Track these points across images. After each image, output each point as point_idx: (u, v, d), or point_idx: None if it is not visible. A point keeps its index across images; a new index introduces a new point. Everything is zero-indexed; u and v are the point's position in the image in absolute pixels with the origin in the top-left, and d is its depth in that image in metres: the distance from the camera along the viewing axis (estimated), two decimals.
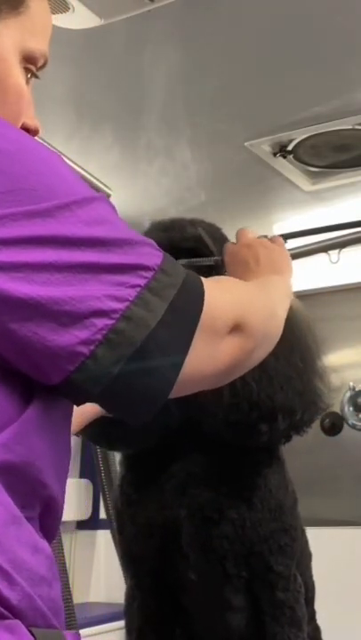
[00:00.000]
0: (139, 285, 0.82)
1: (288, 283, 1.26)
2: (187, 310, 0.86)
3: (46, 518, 0.85)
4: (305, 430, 1.53)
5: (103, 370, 0.80)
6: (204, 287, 0.90)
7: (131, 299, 0.81)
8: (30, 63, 0.94)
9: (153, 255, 0.85)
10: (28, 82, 0.95)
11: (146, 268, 0.83)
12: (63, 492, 0.89)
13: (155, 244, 0.87)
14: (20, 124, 0.94)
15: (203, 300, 0.88)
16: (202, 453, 1.52)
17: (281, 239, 1.36)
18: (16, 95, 0.92)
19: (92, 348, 0.79)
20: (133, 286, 0.82)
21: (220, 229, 1.64)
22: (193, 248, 1.48)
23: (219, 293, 0.93)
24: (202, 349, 0.88)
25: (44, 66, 0.97)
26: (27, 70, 0.94)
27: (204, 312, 0.87)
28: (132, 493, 1.56)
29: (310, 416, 1.52)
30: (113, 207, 0.87)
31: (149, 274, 0.83)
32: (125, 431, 1.41)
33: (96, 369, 0.80)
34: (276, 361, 1.46)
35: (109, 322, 0.80)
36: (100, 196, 0.85)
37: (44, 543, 0.81)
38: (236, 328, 0.93)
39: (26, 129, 0.95)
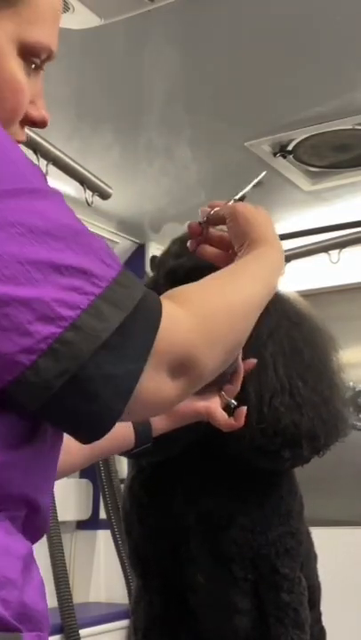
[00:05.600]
0: (92, 293, 0.73)
1: (278, 252, 1.08)
2: (139, 335, 0.76)
3: (30, 519, 0.80)
4: (325, 453, 1.54)
5: (44, 384, 0.71)
6: (162, 311, 0.78)
7: (83, 307, 0.72)
8: (32, 55, 0.89)
9: (112, 262, 0.76)
10: (32, 74, 0.90)
11: (101, 277, 0.74)
12: (46, 493, 0.83)
13: (112, 251, 0.78)
14: (19, 117, 0.90)
15: (157, 326, 0.77)
16: (215, 459, 1.53)
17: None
18: (11, 89, 0.87)
19: (33, 357, 0.70)
20: (87, 293, 0.73)
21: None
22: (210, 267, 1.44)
23: (178, 319, 0.80)
24: (150, 381, 0.77)
25: (50, 57, 0.91)
26: (29, 62, 0.89)
27: (157, 341, 0.77)
28: (143, 496, 1.56)
29: (332, 440, 1.53)
30: (70, 209, 0.78)
31: (104, 283, 0.74)
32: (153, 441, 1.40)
33: (36, 382, 0.71)
34: (305, 387, 1.47)
35: (57, 330, 0.71)
36: (58, 192, 0.78)
37: (18, 544, 0.75)
38: (184, 367, 0.80)
39: (31, 120, 0.92)
